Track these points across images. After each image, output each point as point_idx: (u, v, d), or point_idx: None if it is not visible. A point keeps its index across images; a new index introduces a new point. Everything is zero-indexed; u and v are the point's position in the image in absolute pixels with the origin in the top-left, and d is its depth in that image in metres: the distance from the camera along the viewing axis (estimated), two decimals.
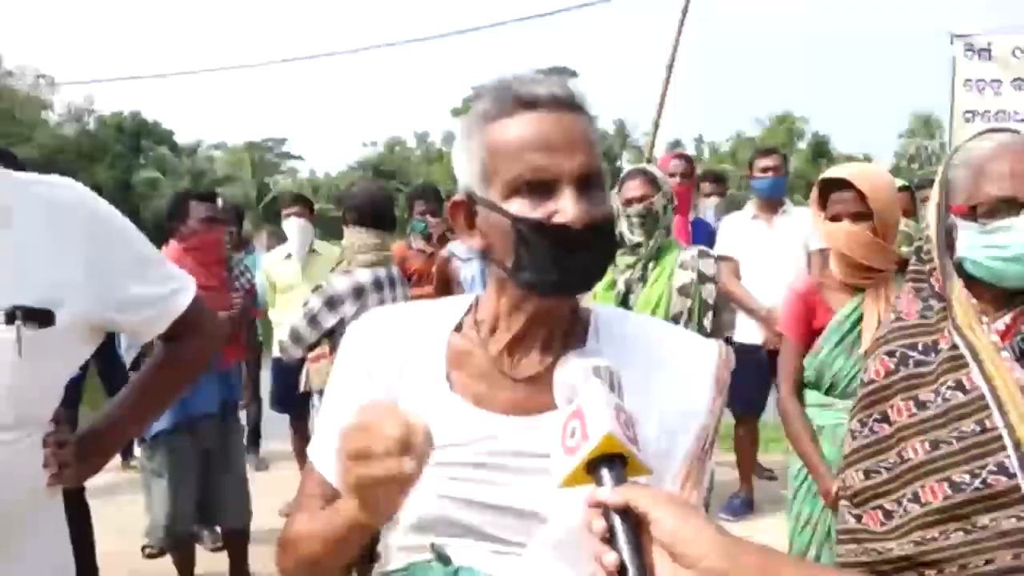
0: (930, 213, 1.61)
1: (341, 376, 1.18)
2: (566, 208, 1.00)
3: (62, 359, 1.38)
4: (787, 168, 4.84)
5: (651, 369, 1.08)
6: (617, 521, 0.80)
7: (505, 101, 1.04)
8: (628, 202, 3.17)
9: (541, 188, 1.01)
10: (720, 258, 4.73)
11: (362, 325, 1.20)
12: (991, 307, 1.53)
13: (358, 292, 3.29)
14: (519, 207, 1.01)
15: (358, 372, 1.15)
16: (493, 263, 1.09)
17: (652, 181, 3.19)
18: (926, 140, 44.73)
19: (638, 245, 3.18)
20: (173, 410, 3.24)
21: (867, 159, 33.85)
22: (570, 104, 1.04)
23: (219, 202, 3.98)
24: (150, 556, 4.10)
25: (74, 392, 3.23)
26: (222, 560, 3.84)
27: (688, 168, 5.00)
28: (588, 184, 1.02)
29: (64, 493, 1.49)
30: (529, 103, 1.03)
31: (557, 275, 1.02)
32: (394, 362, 1.14)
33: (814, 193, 2.58)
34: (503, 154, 1.02)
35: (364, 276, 3.34)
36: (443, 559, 1.07)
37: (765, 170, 4.67)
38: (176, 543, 3.62)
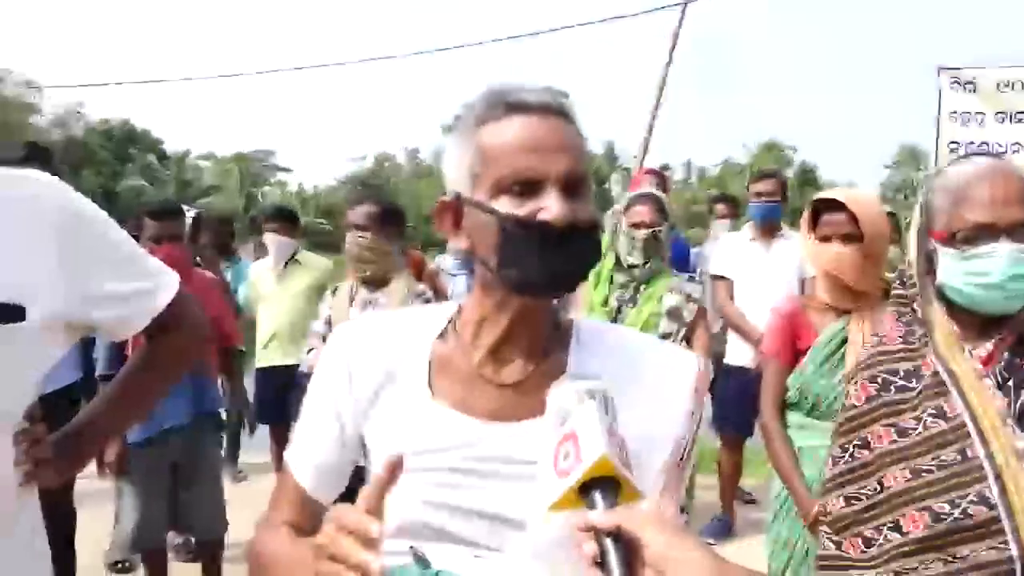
0: (911, 238, 1.61)
1: (322, 380, 1.17)
2: (551, 206, 1.01)
3: (34, 356, 1.34)
4: (785, 193, 4.71)
5: (630, 379, 1.07)
6: (609, 544, 0.80)
7: (495, 105, 1.06)
8: (635, 225, 3.26)
9: (528, 188, 1.03)
10: (715, 278, 4.75)
11: (346, 330, 1.20)
12: (972, 333, 1.52)
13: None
14: (505, 205, 1.03)
15: (339, 376, 1.15)
16: (478, 263, 1.10)
17: (661, 209, 3.30)
18: (912, 171, 45.14)
19: (633, 266, 3.23)
20: (144, 424, 3.19)
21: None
22: (558, 110, 1.07)
23: (189, 215, 3.92)
24: (121, 571, 4.05)
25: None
26: (195, 572, 3.78)
27: (661, 185, 5.00)
28: (573, 187, 1.04)
29: (49, 497, 1.45)
30: (519, 107, 1.05)
31: (539, 273, 1.03)
32: (377, 368, 1.14)
33: (805, 214, 2.59)
34: (492, 155, 1.04)
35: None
36: (422, 562, 1.06)
37: (759, 195, 4.59)
38: (144, 553, 3.57)
